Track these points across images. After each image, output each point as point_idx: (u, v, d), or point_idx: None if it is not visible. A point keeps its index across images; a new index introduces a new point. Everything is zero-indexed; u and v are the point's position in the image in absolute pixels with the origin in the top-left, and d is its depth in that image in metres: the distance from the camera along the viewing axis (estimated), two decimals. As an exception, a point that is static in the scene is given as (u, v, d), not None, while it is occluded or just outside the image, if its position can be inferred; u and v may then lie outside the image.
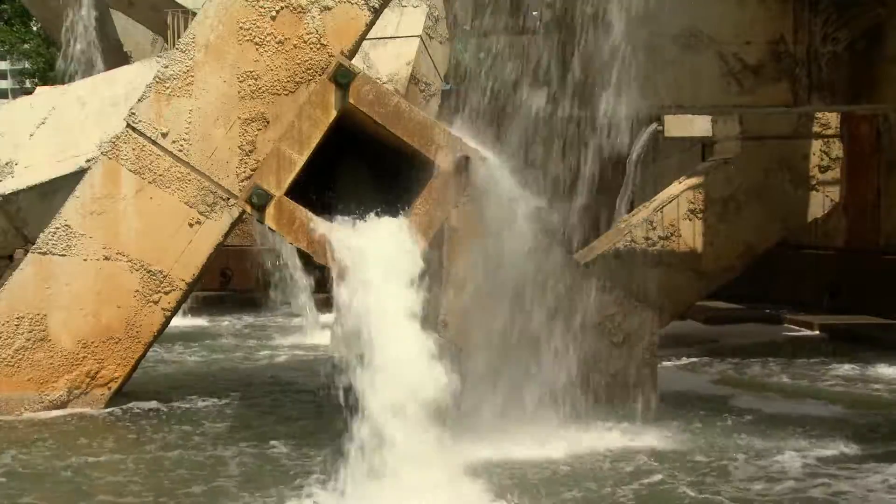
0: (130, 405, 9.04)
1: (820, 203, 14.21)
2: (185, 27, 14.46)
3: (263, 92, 8.91)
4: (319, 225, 7.35)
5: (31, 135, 14.11)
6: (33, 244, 9.22)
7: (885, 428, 8.39)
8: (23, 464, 7.27)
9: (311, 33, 8.88)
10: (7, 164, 13.91)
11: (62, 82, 17.73)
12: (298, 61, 8.89)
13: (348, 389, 6.47)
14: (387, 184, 8.28)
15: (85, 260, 9.00)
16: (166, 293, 9.02)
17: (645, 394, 9.35)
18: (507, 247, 7.71)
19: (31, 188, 13.77)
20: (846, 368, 11.28)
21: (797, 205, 14.14)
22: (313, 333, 14.23)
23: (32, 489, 6.67)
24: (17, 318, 8.93)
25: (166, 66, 9.04)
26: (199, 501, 6.42)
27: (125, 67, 16.14)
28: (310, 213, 7.46)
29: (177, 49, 9.12)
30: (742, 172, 13.91)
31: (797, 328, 14.86)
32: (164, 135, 8.97)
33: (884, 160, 15.40)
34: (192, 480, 6.82)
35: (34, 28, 45.29)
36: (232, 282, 18.32)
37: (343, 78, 7.64)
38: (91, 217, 9.02)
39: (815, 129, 14.20)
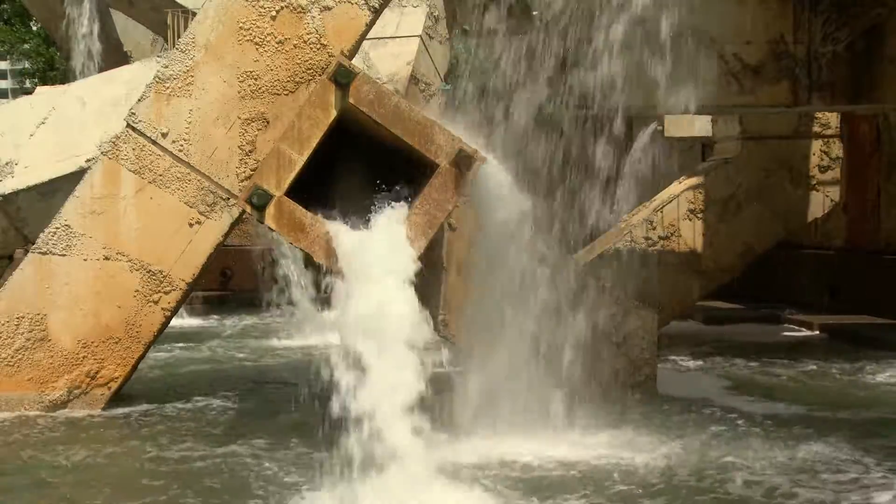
0: (130, 405, 9.05)
1: (820, 203, 14.24)
2: (185, 27, 14.46)
3: (263, 92, 8.92)
4: (319, 225, 7.34)
5: (32, 135, 14.13)
6: (33, 244, 9.23)
7: (886, 428, 8.37)
8: (22, 463, 7.28)
9: (311, 33, 8.88)
10: (7, 164, 13.93)
11: (62, 82, 17.75)
12: (298, 61, 8.89)
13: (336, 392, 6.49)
14: (387, 183, 8.27)
15: (85, 260, 9.00)
16: (166, 293, 9.03)
17: (644, 394, 9.35)
18: (507, 246, 7.70)
19: (31, 188, 13.79)
20: (846, 369, 11.26)
21: (797, 205, 14.16)
22: (313, 333, 14.23)
23: (30, 489, 6.68)
24: (17, 318, 8.94)
25: (166, 66, 9.04)
26: (196, 500, 6.43)
27: (125, 67, 16.17)
28: (310, 213, 7.46)
29: (177, 49, 9.12)
30: (742, 172, 13.93)
31: (797, 328, 14.86)
32: (164, 135, 8.97)
33: (884, 160, 15.39)
34: (189, 480, 6.82)
35: (34, 28, 45.31)
36: (232, 282, 18.33)
37: (343, 78, 7.63)
38: (91, 217, 9.02)
39: (815, 129, 14.22)
